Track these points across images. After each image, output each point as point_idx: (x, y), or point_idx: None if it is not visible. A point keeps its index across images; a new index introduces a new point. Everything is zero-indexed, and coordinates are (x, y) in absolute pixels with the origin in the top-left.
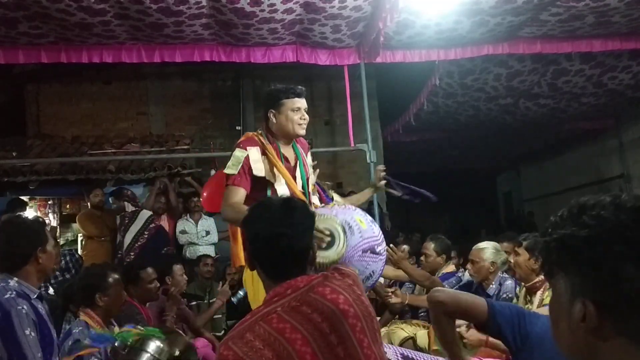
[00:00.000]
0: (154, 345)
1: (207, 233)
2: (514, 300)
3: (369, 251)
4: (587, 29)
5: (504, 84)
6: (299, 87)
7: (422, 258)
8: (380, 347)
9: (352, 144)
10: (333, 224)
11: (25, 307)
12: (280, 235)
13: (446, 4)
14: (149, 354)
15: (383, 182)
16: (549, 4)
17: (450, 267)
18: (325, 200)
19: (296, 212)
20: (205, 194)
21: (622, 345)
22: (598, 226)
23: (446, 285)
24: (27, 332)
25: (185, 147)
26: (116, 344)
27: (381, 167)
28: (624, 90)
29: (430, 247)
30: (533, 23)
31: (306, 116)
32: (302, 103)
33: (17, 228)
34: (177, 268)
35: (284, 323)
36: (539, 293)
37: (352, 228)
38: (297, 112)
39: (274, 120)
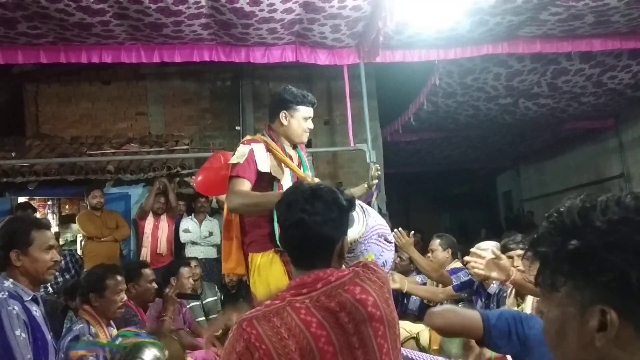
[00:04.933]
0: (150, 354)
1: (210, 234)
2: None
3: (382, 237)
4: (586, 29)
5: (504, 84)
6: (313, 96)
7: (429, 255)
8: (399, 353)
9: (352, 144)
10: None
11: (16, 307)
12: (298, 221)
13: (446, 4)
14: None
15: (376, 180)
16: (549, 4)
17: (458, 264)
18: None
19: (319, 201)
20: (199, 178)
21: None
22: (614, 232)
23: (454, 280)
24: (18, 332)
25: (185, 147)
26: (107, 350)
27: (377, 165)
28: (623, 90)
29: (435, 242)
30: (533, 22)
31: (312, 125)
32: (312, 113)
33: None
34: (185, 271)
35: (312, 317)
36: None
37: (367, 211)
38: (307, 120)
39: (284, 121)
